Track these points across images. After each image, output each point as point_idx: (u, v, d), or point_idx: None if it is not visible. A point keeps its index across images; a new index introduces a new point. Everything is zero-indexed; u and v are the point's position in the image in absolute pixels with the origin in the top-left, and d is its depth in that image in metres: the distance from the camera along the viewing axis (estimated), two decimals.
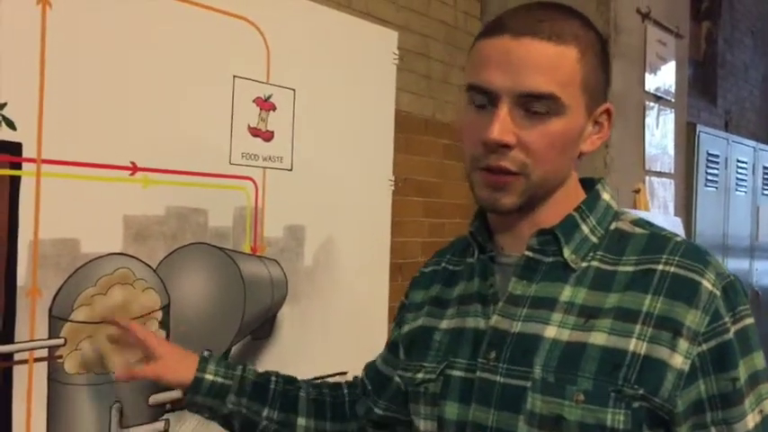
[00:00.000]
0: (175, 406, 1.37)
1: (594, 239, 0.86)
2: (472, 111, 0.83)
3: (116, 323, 1.20)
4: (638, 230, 0.86)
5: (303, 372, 1.62)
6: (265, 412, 1.06)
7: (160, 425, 1.34)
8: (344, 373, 1.73)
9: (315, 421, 1.08)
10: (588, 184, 0.92)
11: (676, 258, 0.81)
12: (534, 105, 0.79)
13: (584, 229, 0.86)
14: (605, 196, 0.90)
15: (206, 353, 1.14)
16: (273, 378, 1.10)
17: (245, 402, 1.06)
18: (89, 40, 1.23)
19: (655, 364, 0.77)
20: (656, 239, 0.85)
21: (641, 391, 0.76)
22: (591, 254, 0.85)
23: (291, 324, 1.60)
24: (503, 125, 0.79)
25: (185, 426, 1.39)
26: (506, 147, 0.80)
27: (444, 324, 0.92)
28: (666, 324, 0.78)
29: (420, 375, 0.91)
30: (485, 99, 0.81)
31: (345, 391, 1.12)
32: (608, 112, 0.87)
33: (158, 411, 1.34)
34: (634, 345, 0.78)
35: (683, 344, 0.77)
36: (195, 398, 1.05)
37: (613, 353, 0.78)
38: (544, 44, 0.79)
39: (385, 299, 1.91)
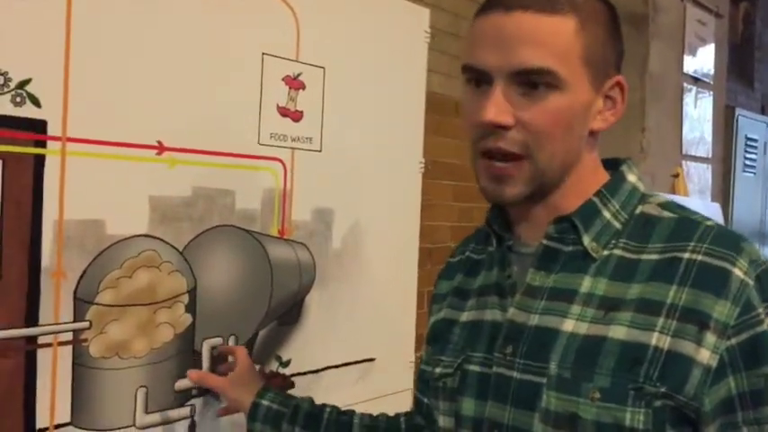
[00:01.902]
0: (201, 392, 1.34)
1: (617, 225, 0.80)
2: (470, 92, 0.79)
3: (227, 351, 1.31)
4: (666, 215, 0.80)
5: (330, 358, 1.60)
6: None
7: (186, 410, 1.32)
8: (372, 360, 1.70)
9: None
10: (612, 166, 0.85)
11: (704, 245, 0.75)
12: (530, 82, 0.75)
13: (606, 214, 0.80)
14: (631, 178, 0.84)
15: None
16: (328, 408, 1.10)
17: (298, 431, 1.06)
18: (116, 15, 1.20)
19: (679, 360, 0.71)
20: (685, 224, 0.78)
21: (663, 389, 0.71)
22: (613, 241, 0.79)
23: (319, 309, 1.56)
24: (497, 105, 0.75)
25: (211, 412, 1.36)
26: (503, 128, 0.76)
27: (464, 316, 0.89)
28: (692, 317, 0.72)
29: (438, 370, 0.88)
30: (480, 79, 0.77)
31: (402, 418, 1.08)
32: (620, 85, 0.81)
33: (184, 397, 1.32)
34: (656, 339, 0.72)
35: (710, 338, 0.71)
36: (254, 424, 1.09)
37: (634, 347, 0.73)
38: (536, 16, 0.74)
39: (413, 284, 1.87)
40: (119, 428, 1.22)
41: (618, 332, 0.74)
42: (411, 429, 1.05)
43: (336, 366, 1.61)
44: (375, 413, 1.11)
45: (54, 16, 1.12)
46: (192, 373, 1.23)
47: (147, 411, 1.26)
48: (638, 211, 0.81)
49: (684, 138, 2.76)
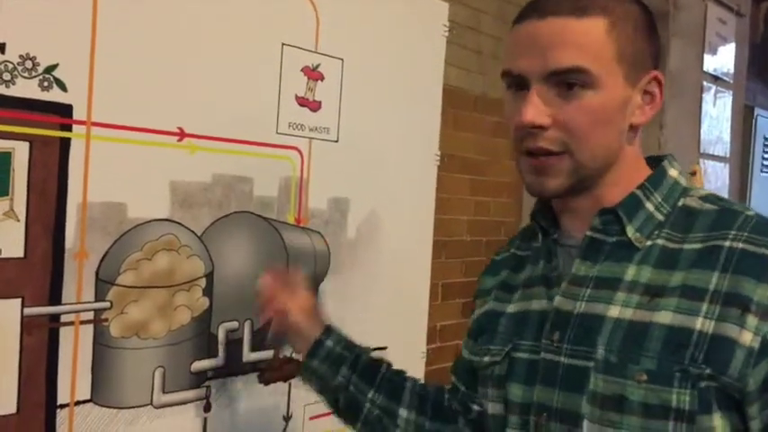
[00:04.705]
0: (217, 374, 1.37)
1: (660, 217, 0.84)
2: (510, 96, 0.84)
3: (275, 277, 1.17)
4: (707, 206, 0.84)
5: None
6: (371, 394, 1.05)
7: (201, 392, 1.35)
8: (384, 348, 1.72)
9: (416, 416, 1.04)
10: (655, 162, 0.89)
11: (745, 234, 0.78)
12: (564, 82, 0.79)
13: (649, 206, 0.84)
14: (672, 172, 0.88)
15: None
16: (385, 364, 1.10)
17: (354, 380, 1.05)
18: (140, 4, 1.22)
19: (723, 343, 0.75)
20: (725, 215, 0.81)
21: (708, 371, 0.74)
22: (656, 232, 0.83)
23: (333, 297, 1.59)
24: (534, 107, 0.80)
25: (226, 394, 1.39)
26: (541, 128, 0.80)
27: (511, 308, 0.92)
28: (734, 301, 0.75)
29: (487, 359, 0.92)
30: (519, 83, 0.82)
31: (447, 395, 1.09)
32: (657, 80, 0.84)
33: (200, 378, 1.35)
34: (701, 324, 0.75)
35: (751, 320, 0.74)
36: (312, 362, 1.06)
37: (679, 332, 0.76)
38: (567, 20, 0.79)
39: (427, 276, 1.89)
40: (136, 407, 1.26)
41: (664, 317, 0.77)
42: (449, 410, 1.06)
43: None
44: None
45: (81, 3, 1.15)
46: (265, 277, 1.16)
47: (164, 391, 1.29)
48: (680, 203, 0.85)
49: (702, 136, 2.75)
